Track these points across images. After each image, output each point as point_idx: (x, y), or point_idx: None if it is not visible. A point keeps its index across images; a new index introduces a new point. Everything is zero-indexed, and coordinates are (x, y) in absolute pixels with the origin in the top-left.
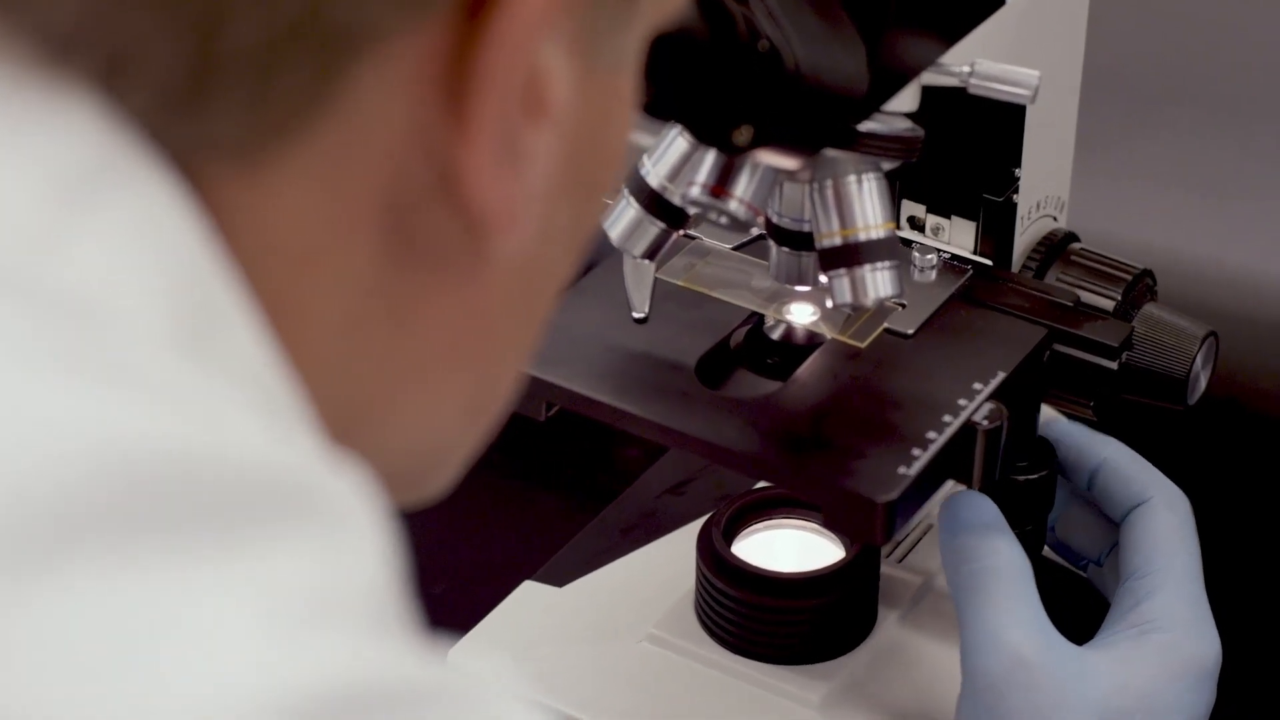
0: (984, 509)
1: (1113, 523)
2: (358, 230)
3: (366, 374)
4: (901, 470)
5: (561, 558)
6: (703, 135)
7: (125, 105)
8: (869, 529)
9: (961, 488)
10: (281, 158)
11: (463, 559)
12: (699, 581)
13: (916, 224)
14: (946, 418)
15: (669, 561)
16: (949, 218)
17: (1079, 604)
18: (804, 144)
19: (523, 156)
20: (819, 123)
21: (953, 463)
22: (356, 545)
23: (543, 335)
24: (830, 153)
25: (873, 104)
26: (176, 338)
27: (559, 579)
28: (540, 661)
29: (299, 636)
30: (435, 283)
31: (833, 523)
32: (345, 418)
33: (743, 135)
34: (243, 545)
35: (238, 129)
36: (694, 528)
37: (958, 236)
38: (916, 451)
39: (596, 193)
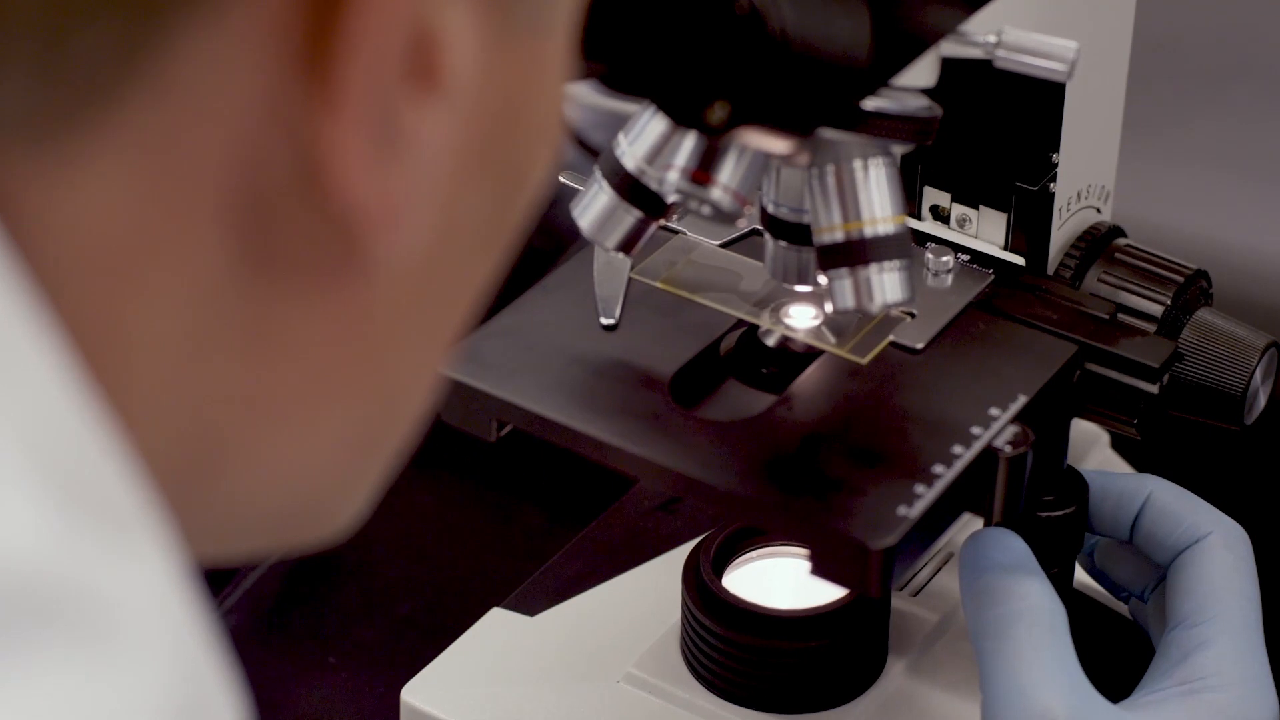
0: (1012, 547)
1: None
2: (198, 231)
3: (217, 409)
4: (902, 510)
5: (535, 583)
6: (672, 112)
7: None
8: (862, 578)
9: (979, 522)
10: (89, 139)
11: (433, 578)
12: (685, 616)
13: (940, 214)
14: (957, 449)
15: (655, 590)
16: (977, 208)
17: (1115, 646)
18: (793, 124)
19: (406, 138)
20: (811, 99)
21: (968, 494)
22: (134, 664)
23: (451, 352)
24: (831, 134)
25: (879, 77)
26: None
27: (531, 607)
28: (504, 700)
29: None
30: (303, 295)
31: (821, 569)
32: (191, 462)
33: (718, 113)
34: None
35: (25, 101)
36: (686, 550)
37: (986, 229)
38: (920, 488)
39: (521, 180)
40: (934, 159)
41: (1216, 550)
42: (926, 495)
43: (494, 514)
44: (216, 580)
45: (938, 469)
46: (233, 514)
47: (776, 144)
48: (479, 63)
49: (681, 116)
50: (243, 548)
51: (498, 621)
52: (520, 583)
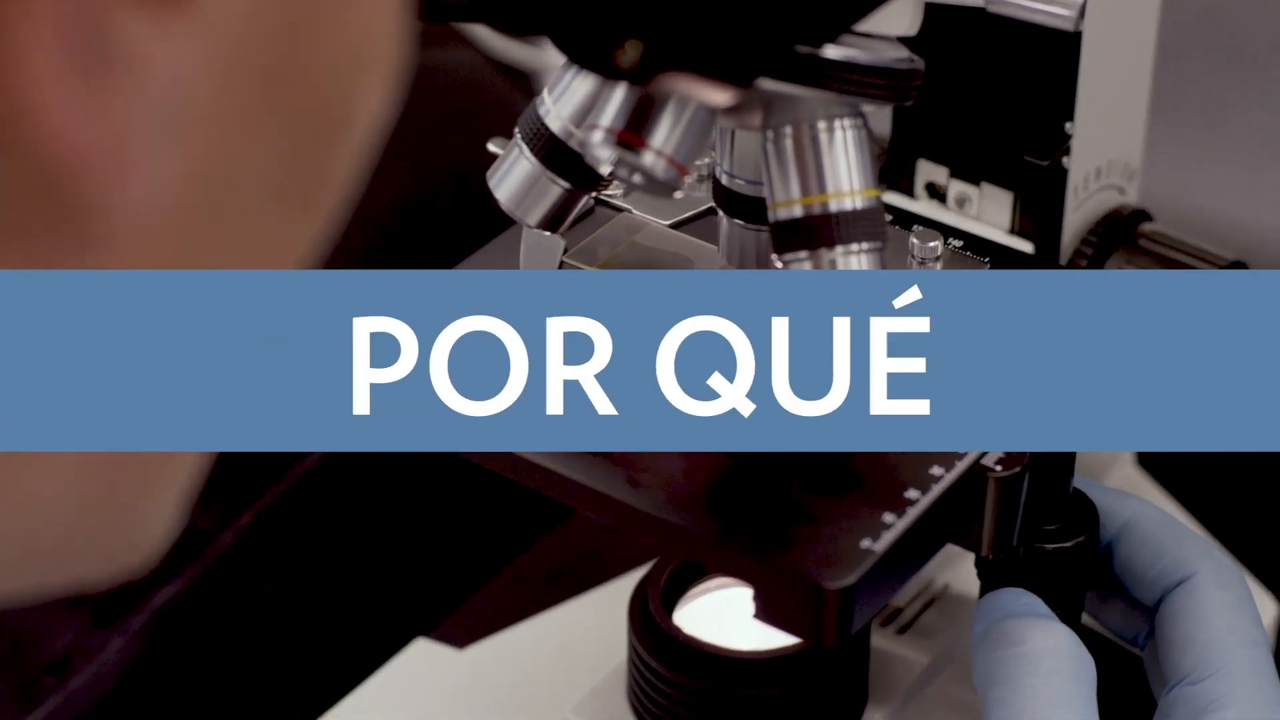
0: (1031, 600)
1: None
2: None
3: None
4: (866, 544)
5: (468, 610)
6: (572, 50)
7: None
8: (814, 624)
9: (967, 557)
10: None
11: (348, 603)
12: (631, 656)
13: (937, 192)
14: (936, 470)
15: (603, 621)
16: (978, 185)
17: (1128, 691)
18: (727, 71)
19: (128, 60)
20: (747, 39)
21: (950, 523)
22: None
23: None
24: (786, 89)
25: (839, 19)
26: None
27: (460, 638)
28: None
29: None
30: (14, 265)
31: (767, 613)
32: None
33: (630, 53)
34: None
35: None
36: (637, 578)
37: (989, 210)
38: (890, 518)
39: (333, 119)
40: (930, 128)
41: (1208, 591)
42: (896, 525)
43: (420, 532)
44: (120, 605)
45: (911, 494)
46: None
47: (711, 94)
48: None
49: (584, 57)
50: (11, 583)
51: (422, 654)
52: (449, 611)
